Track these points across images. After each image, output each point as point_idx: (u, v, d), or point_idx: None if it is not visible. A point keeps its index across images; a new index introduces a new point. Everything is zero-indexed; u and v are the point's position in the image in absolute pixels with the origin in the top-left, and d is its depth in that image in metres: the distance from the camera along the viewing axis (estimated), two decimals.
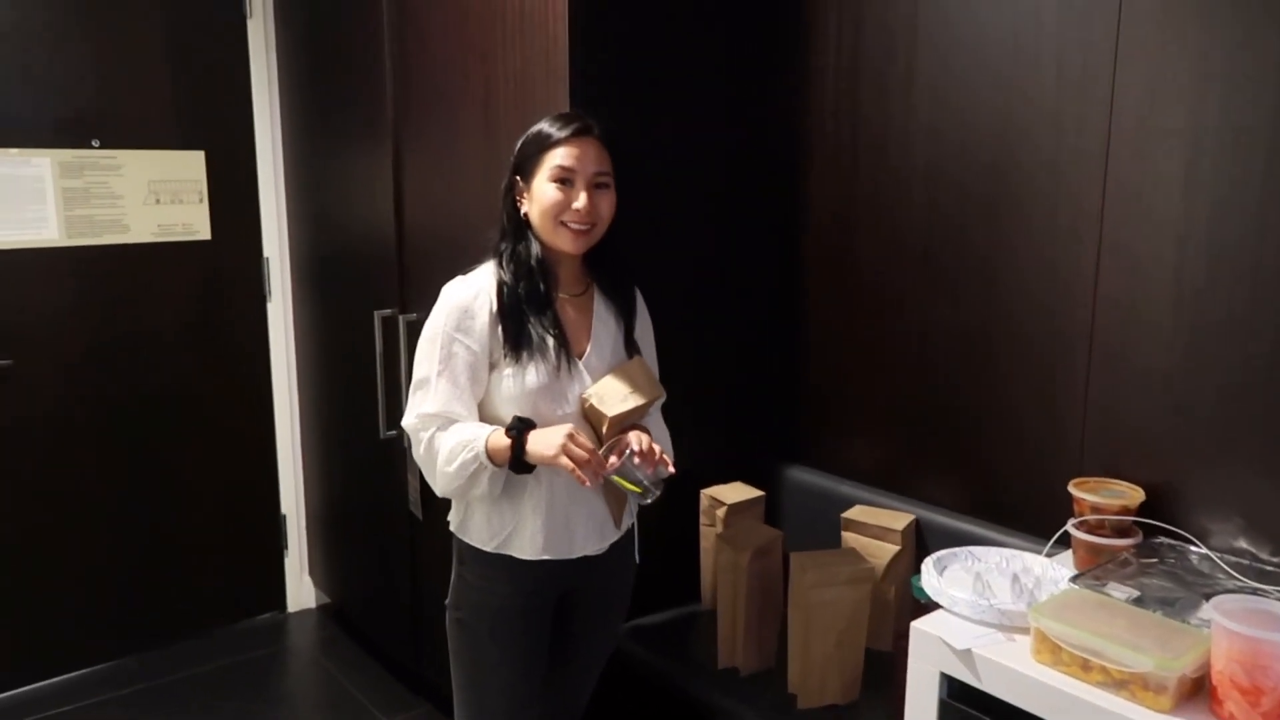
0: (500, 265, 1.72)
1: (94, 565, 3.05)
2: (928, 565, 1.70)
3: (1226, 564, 1.62)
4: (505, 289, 1.69)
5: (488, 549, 1.74)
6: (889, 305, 2.20)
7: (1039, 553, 1.77)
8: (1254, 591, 1.51)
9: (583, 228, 1.67)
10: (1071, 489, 1.77)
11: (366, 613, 3.18)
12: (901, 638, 1.63)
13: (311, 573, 3.50)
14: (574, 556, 1.75)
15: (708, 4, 2.27)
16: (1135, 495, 1.74)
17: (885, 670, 1.96)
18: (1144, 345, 1.77)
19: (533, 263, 1.70)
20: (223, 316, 3.22)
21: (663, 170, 2.24)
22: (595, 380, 1.71)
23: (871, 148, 2.19)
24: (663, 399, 1.80)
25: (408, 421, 1.71)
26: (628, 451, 1.61)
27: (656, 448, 1.64)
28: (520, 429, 1.62)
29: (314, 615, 3.48)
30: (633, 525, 1.88)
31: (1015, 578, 1.65)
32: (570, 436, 1.58)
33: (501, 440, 1.62)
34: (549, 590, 1.79)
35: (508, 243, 1.73)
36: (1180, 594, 1.50)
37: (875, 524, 2.12)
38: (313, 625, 3.42)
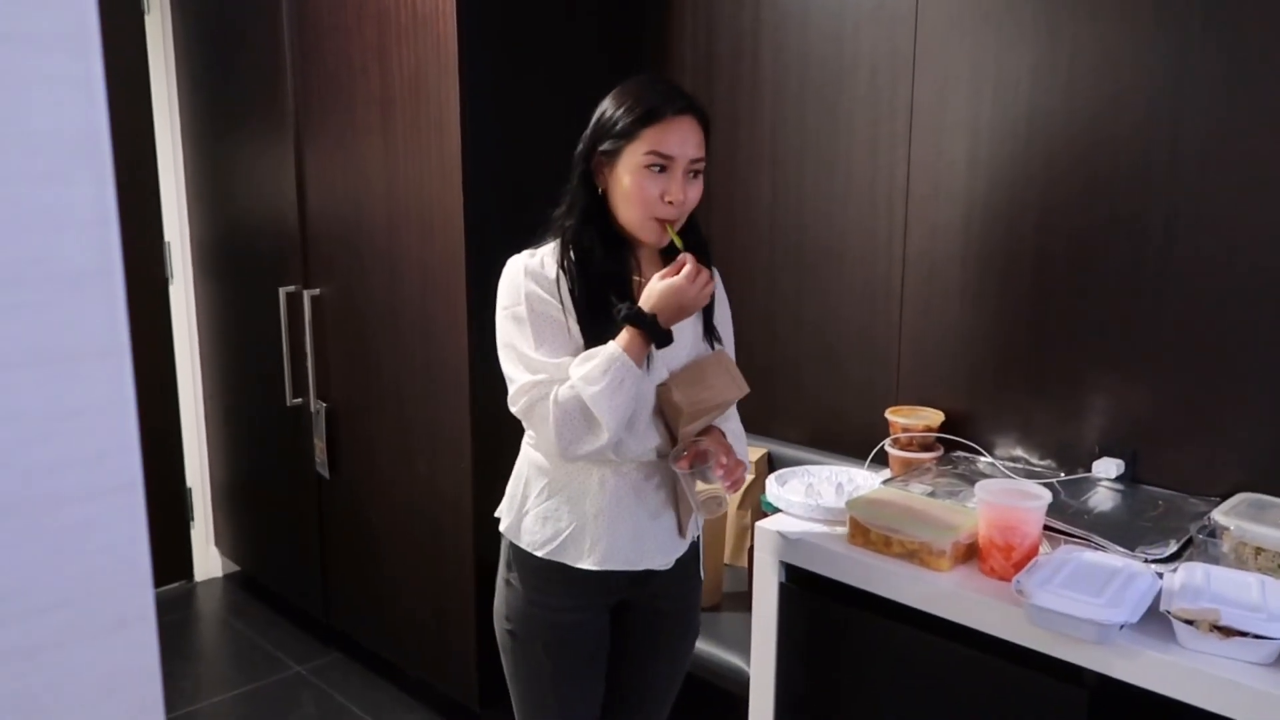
0: (568, 246, 1.55)
1: None
2: (771, 481, 2.04)
3: (1005, 468, 2.01)
4: (576, 271, 1.54)
5: (539, 554, 1.58)
6: (743, 275, 2.54)
7: (863, 468, 2.14)
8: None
9: (670, 219, 1.53)
10: (887, 415, 2.15)
11: (275, 573, 3.36)
12: (754, 548, 1.97)
13: (218, 543, 3.64)
14: (638, 569, 1.61)
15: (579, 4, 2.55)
16: (936, 417, 2.12)
17: (743, 582, 2.30)
18: (941, 297, 2.16)
19: (610, 244, 1.56)
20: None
21: (549, 166, 2.50)
22: (672, 372, 1.58)
23: (720, 133, 2.52)
24: (744, 395, 1.66)
25: (516, 403, 1.53)
26: (710, 462, 1.54)
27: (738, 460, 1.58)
28: (633, 309, 1.49)
29: (221, 583, 3.64)
30: (698, 538, 1.74)
31: (840, 485, 2.01)
32: (671, 282, 1.49)
33: (627, 336, 1.48)
34: (603, 601, 1.65)
35: (577, 220, 1.56)
36: (964, 488, 1.88)
37: None
38: (221, 591, 3.57)
